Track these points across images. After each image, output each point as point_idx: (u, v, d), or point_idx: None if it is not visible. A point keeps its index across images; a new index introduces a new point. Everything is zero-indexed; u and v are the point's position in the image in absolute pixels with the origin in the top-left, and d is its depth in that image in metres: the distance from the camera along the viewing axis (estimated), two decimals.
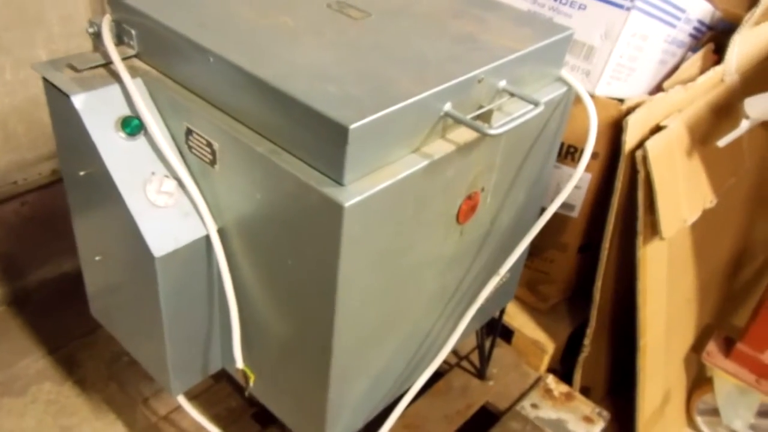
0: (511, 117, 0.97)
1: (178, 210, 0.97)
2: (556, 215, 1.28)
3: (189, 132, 0.95)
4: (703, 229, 1.48)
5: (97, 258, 1.11)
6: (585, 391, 1.61)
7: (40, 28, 1.56)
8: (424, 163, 0.86)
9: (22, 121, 1.62)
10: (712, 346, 1.52)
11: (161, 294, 0.99)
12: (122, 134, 0.95)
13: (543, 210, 1.25)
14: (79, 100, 0.93)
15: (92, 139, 0.93)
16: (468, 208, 1.01)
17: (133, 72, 0.98)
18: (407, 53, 0.93)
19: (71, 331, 1.68)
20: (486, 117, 0.94)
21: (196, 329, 1.08)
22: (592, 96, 1.32)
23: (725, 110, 1.40)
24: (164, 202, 0.95)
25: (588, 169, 1.44)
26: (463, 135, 0.92)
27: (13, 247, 1.72)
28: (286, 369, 1.03)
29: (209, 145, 0.92)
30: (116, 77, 0.97)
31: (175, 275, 0.98)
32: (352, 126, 0.76)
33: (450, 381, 1.55)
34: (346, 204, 0.77)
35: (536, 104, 0.94)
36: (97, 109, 0.94)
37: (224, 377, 1.54)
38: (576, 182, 1.10)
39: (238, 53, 0.88)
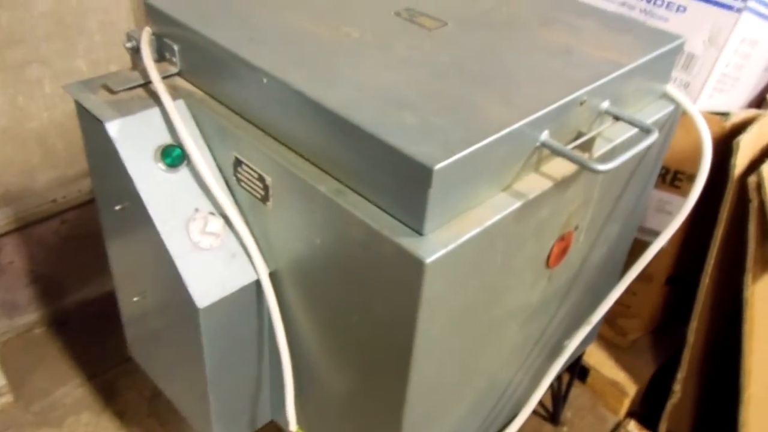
0: (613, 144, 0.82)
1: (225, 251, 0.84)
2: (641, 243, 1.13)
3: (238, 163, 0.82)
4: None
5: (135, 299, 0.99)
6: None
7: (81, 38, 1.47)
8: (518, 204, 0.72)
9: (62, 136, 1.53)
10: None
11: (205, 345, 0.87)
12: (162, 165, 0.83)
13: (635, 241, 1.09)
14: (113, 127, 0.82)
15: (128, 171, 0.82)
16: (560, 251, 0.86)
17: (175, 93, 0.86)
18: (493, 71, 0.79)
19: (111, 356, 1.59)
20: (587, 146, 0.79)
21: (244, 381, 0.96)
22: None
23: None
24: (209, 243, 0.83)
25: (681, 192, 1.27)
26: (559, 167, 0.77)
27: (53, 267, 1.64)
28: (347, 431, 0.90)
29: (261, 179, 0.80)
30: (156, 99, 0.85)
31: (221, 325, 0.86)
32: (437, 167, 0.62)
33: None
34: (428, 260, 0.64)
35: (648, 131, 0.79)
36: (134, 137, 0.83)
37: None
38: (685, 215, 0.93)
39: (295, 73, 0.74)
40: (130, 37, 0.90)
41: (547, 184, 0.75)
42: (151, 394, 1.49)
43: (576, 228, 0.87)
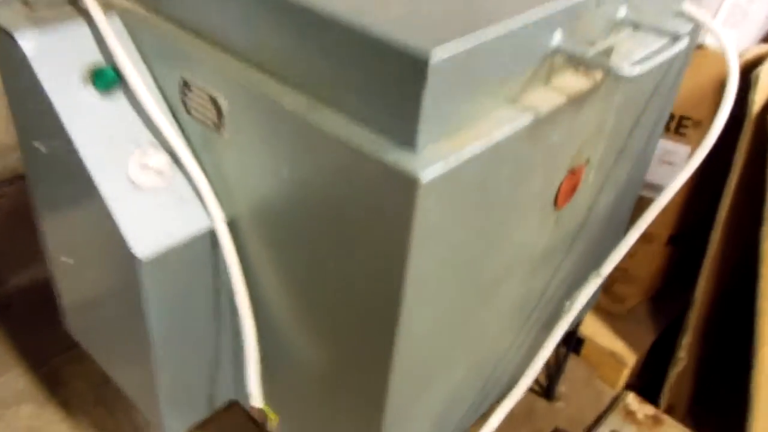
0: (633, 56, 0.70)
1: (171, 194, 0.71)
2: (641, 200, 1.02)
3: (185, 85, 0.69)
4: None
5: (65, 259, 0.84)
6: (668, 411, 1.34)
7: None
8: (528, 119, 0.59)
9: None
10: None
11: (149, 309, 0.73)
12: (92, 90, 0.69)
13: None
14: (29, 43, 0.67)
15: (49, 98, 0.67)
16: (569, 188, 0.74)
17: (107, 6, 0.72)
18: None
19: (56, 343, 1.44)
20: (604, 57, 0.67)
21: (197, 354, 0.83)
22: (701, 47, 1.04)
23: None
24: (152, 182, 0.69)
25: (686, 140, 1.17)
26: (571, 83, 0.65)
27: None
28: (323, 408, 0.77)
29: (214, 102, 0.66)
30: (84, 13, 0.70)
31: (168, 284, 0.73)
32: (434, 58, 0.48)
33: None
34: (424, 178, 0.51)
35: (676, 38, 0.66)
36: (55, 56, 0.68)
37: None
38: (702, 157, 0.81)
39: None
40: None
41: (559, 99, 0.63)
42: (99, 381, 1.34)
43: (587, 162, 0.75)
